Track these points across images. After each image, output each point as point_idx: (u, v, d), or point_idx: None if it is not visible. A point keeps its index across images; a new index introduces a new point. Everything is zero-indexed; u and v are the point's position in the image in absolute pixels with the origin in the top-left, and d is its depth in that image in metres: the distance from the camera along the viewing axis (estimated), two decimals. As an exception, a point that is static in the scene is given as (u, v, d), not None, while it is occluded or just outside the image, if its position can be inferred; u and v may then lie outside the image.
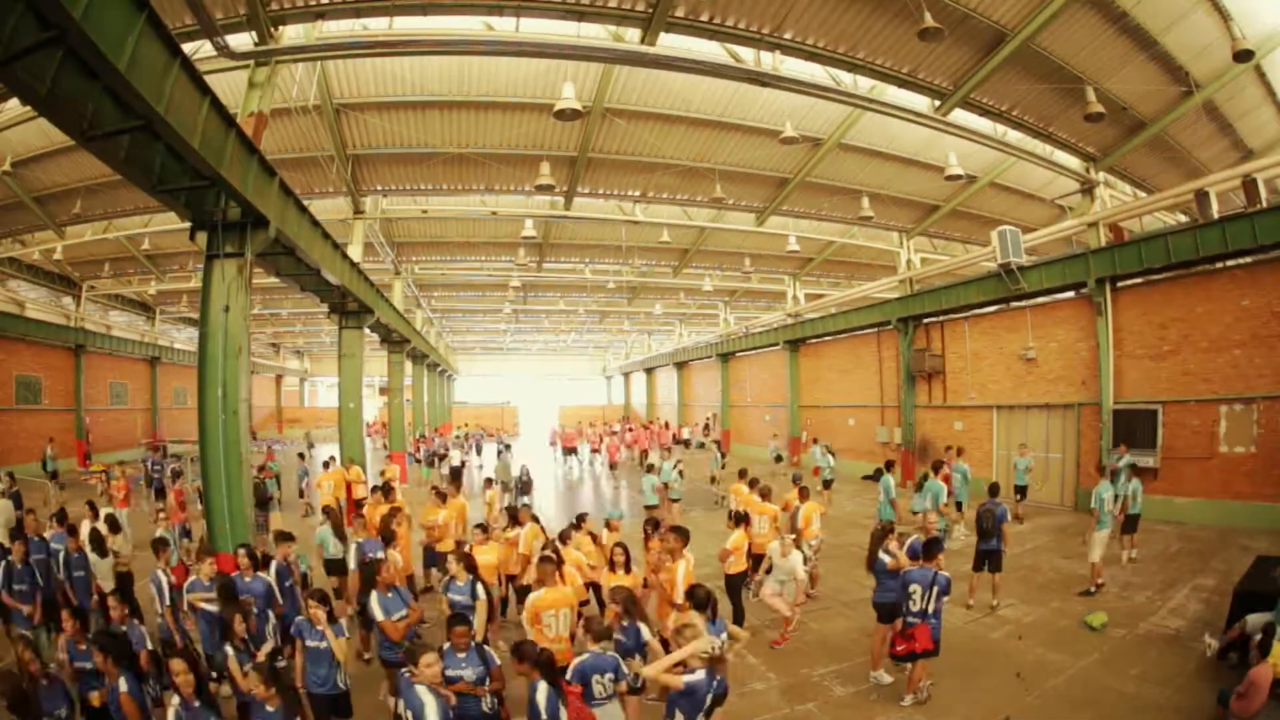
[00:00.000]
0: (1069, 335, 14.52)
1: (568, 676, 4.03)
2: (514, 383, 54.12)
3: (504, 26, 9.42)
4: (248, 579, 5.70)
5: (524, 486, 15.00)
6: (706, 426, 32.65)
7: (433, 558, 8.43)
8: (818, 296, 25.04)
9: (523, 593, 6.03)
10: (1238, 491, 11.28)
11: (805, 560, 7.31)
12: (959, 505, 11.74)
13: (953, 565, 9.52)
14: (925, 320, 18.44)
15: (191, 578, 5.85)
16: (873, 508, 14.42)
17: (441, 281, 26.00)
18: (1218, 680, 5.53)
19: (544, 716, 3.61)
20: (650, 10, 9.16)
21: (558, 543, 6.57)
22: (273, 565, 6.06)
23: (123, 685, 3.98)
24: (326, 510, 8.31)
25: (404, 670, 3.82)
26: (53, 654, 5.30)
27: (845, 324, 21.88)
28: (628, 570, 6.04)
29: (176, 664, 3.85)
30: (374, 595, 5.29)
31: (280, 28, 8.97)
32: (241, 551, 5.94)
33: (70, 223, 17.05)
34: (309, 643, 4.73)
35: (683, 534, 6.01)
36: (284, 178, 8.58)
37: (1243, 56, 9.74)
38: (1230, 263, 11.66)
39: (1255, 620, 5.43)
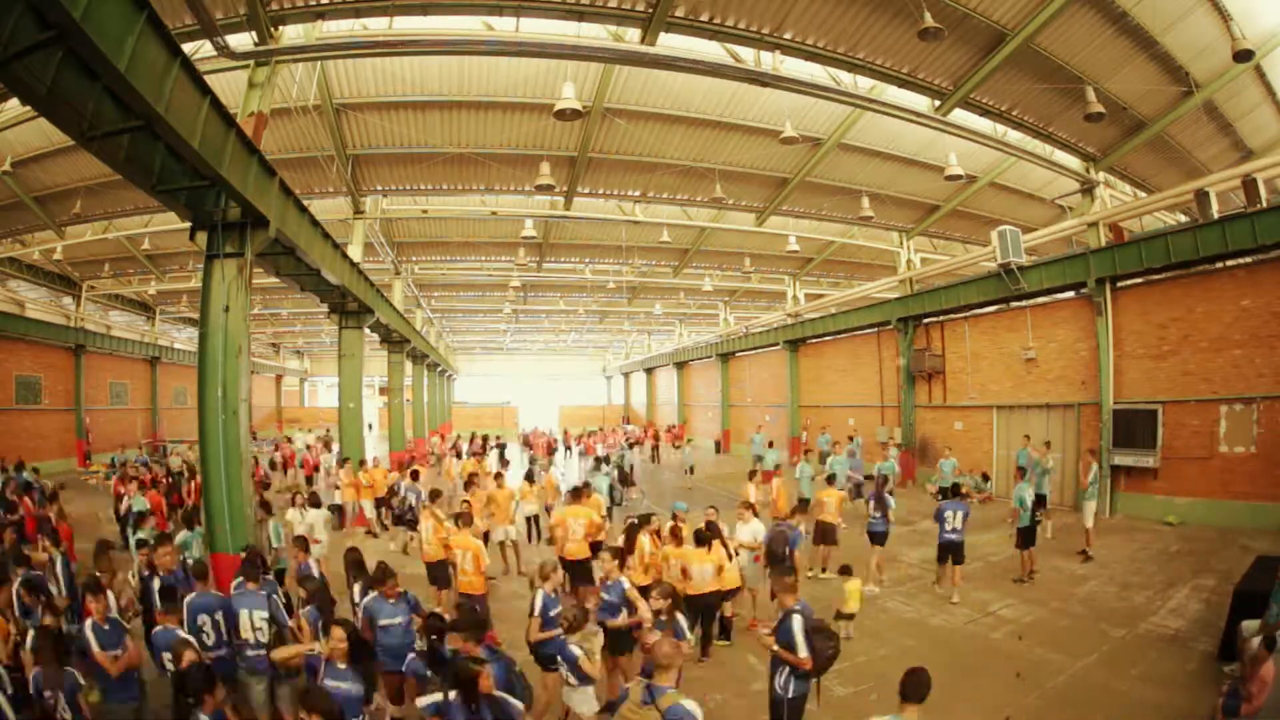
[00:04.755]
0: (1069, 335, 14.51)
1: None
2: (514, 383, 54.04)
3: (504, 26, 9.41)
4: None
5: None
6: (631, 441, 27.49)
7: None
8: (818, 296, 25.02)
9: None
10: (1238, 491, 11.28)
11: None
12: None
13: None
14: (925, 320, 18.43)
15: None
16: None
17: (441, 281, 25.99)
18: (1218, 680, 5.54)
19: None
20: (650, 10, 9.16)
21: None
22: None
23: None
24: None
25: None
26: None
27: (845, 324, 21.87)
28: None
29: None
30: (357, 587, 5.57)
31: (280, 28, 8.97)
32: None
33: (70, 223, 17.03)
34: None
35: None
36: (284, 178, 8.57)
37: (1243, 56, 9.73)
38: (1230, 263, 11.65)
39: (1250, 625, 5.46)
